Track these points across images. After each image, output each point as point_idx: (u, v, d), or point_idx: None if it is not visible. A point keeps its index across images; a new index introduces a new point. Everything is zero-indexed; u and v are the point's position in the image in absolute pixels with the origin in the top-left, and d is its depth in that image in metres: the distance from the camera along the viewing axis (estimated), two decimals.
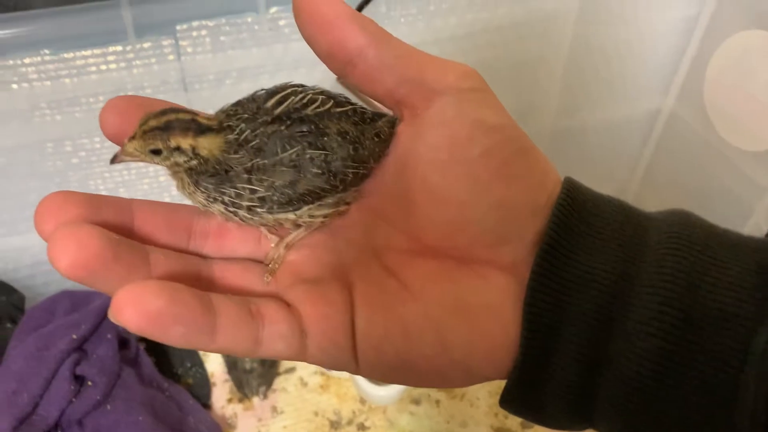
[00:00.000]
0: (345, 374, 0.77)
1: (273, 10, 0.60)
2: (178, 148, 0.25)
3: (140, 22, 0.57)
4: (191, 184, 0.27)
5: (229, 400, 0.77)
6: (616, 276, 0.24)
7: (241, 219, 0.27)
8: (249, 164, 0.26)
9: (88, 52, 0.57)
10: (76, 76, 0.58)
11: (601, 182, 0.90)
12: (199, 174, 0.26)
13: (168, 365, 0.78)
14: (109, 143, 0.64)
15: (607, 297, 0.24)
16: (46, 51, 0.56)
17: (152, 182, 0.69)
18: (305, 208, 0.27)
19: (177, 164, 0.26)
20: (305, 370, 0.79)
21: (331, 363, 0.26)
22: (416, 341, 0.25)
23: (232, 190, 0.26)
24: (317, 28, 0.25)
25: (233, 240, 0.29)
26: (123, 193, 0.68)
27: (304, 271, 0.28)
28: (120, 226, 0.25)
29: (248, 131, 0.26)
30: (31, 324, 0.65)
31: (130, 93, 0.61)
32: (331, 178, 0.26)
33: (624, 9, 0.77)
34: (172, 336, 0.22)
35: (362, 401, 0.77)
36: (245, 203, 0.26)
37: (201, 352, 0.81)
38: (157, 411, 0.66)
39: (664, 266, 0.24)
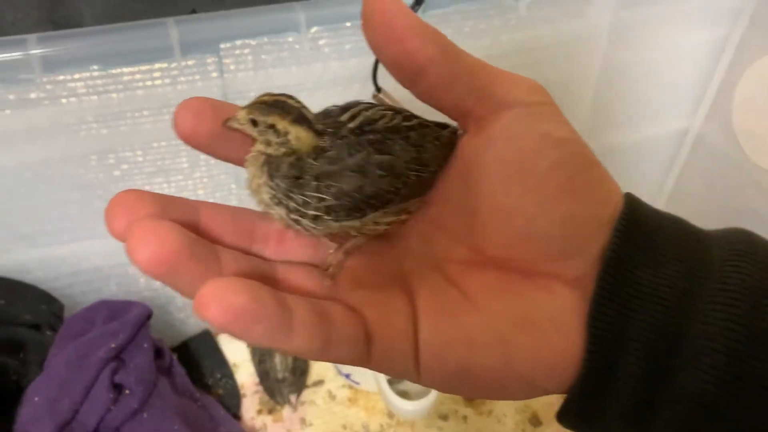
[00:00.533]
0: (373, 388, 0.78)
1: (313, 30, 0.61)
2: (272, 126, 0.26)
3: (186, 40, 0.58)
4: (265, 175, 0.27)
5: (259, 411, 0.78)
6: (679, 292, 0.24)
7: (303, 228, 0.28)
8: (318, 172, 0.26)
9: (135, 69, 0.59)
10: (123, 92, 0.60)
11: None
12: (277, 169, 0.27)
13: (199, 376, 0.79)
14: (151, 156, 0.66)
15: (669, 312, 0.24)
16: (95, 67, 0.58)
17: (191, 196, 0.70)
18: (370, 215, 0.27)
19: (267, 143, 0.26)
20: (333, 383, 0.80)
21: (393, 370, 0.26)
22: (479, 351, 0.25)
23: (300, 197, 0.27)
24: (386, 40, 0.25)
25: (293, 244, 0.29)
26: None
27: (364, 278, 0.28)
28: (187, 226, 0.25)
29: (329, 141, 0.27)
30: (70, 332, 0.66)
31: (173, 109, 0.63)
32: (395, 180, 0.27)
33: (653, 31, 0.78)
34: (252, 334, 0.22)
35: (390, 415, 0.77)
36: (311, 212, 0.27)
37: (231, 364, 0.82)
38: (190, 420, 0.68)
39: (728, 283, 0.24)
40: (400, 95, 0.67)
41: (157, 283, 0.77)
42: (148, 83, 0.60)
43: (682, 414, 0.24)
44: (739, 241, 0.26)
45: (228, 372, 0.81)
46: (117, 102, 0.60)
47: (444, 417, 0.77)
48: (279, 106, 0.26)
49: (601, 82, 0.81)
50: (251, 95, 0.64)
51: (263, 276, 0.26)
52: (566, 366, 0.25)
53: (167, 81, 0.60)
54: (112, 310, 0.69)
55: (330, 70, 0.64)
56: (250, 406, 0.79)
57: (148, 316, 0.70)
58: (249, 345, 0.80)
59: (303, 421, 0.77)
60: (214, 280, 0.21)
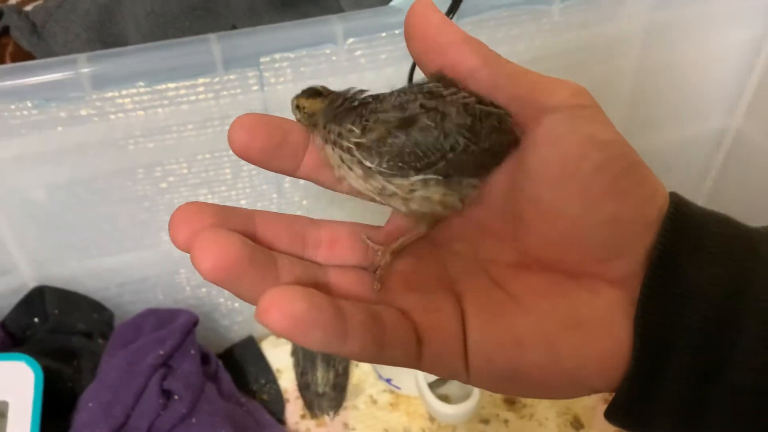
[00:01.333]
0: (414, 392, 0.79)
1: (350, 41, 0.63)
2: (297, 107, 0.31)
3: (227, 55, 0.60)
4: (318, 126, 0.30)
5: (302, 416, 0.79)
6: (727, 289, 0.25)
7: (354, 175, 0.28)
8: (366, 110, 0.28)
9: (179, 84, 0.61)
10: (168, 107, 0.62)
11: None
12: (326, 117, 0.30)
13: (244, 381, 0.81)
14: (195, 168, 0.68)
15: (717, 311, 0.24)
16: (141, 83, 0.60)
17: (233, 205, 0.72)
18: (414, 177, 0.27)
19: (300, 119, 0.31)
20: (375, 387, 0.81)
21: (443, 371, 0.27)
22: (527, 351, 0.26)
23: (344, 126, 0.28)
24: (429, 53, 0.26)
25: (343, 249, 0.30)
26: None
27: (412, 281, 0.29)
28: (245, 234, 0.26)
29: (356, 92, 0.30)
30: (120, 340, 0.69)
31: (216, 122, 0.65)
32: (442, 139, 0.26)
33: (689, 31, 0.77)
34: (310, 340, 0.23)
35: (431, 419, 0.78)
36: (354, 140, 0.28)
37: (275, 369, 0.83)
38: (237, 424, 0.69)
39: None
40: None
41: (203, 292, 0.79)
42: (192, 98, 0.62)
43: (732, 411, 0.24)
44: None
45: (272, 377, 0.82)
46: (163, 117, 0.62)
47: (485, 421, 0.78)
48: (303, 92, 0.32)
49: (637, 83, 0.80)
50: (290, 107, 0.66)
51: (317, 281, 0.28)
52: (613, 365, 0.26)
53: (210, 95, 0.62)
54: (159, 318, 0.71)
55: (366, 80, 0.65)
56: (293, 411, 0.80)
57: (195, 323, 0.72)
58: (293, 354, 0.82)
59: (346, 426, 0.78)
60: (275, 289, 0.23)
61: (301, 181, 0.74)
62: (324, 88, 0.32)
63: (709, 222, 0.26)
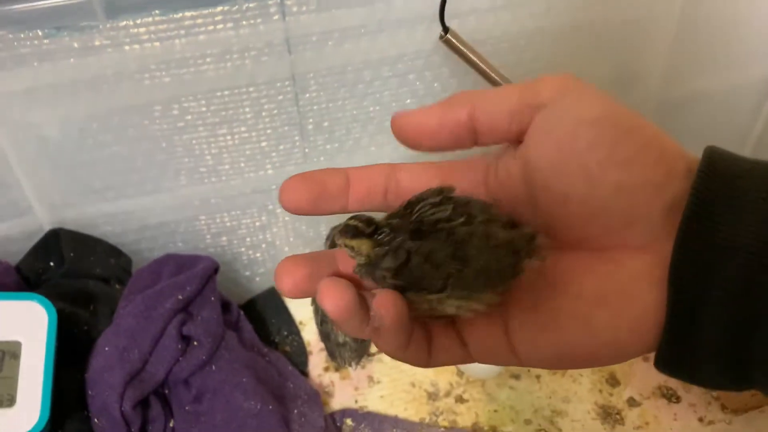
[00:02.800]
0: None
1: None
2: (347, 246, 0.31)
3: None
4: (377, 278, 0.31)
5: (326, 369, 0.77)
6: (765, 237, 0.24)
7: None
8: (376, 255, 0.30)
9: (197, 12, 0.58)
10: (185, 37, 0.59)
11: None
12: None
13: (266, 333, 0.79)
14: (214, 106, 0.65)
15: (755, 258, 0.24)
16: (157, 11, 0.57)
17: (254, 148, 0.69)
18: (423, 296, 0.30)
19: (353, 258, 0.31)
20: None
21: (494, 362, 0.30)
22: (567, 333, 0.28)
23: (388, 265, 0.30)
24: (422, 142, 0.30)
25: None
26: (226, 157, 0.69)
27: None
28: (336, 273, 0.31)
29: (389, 234, 0.30)
30: (138, 284, 0.66)
31: (235, 55, 0.61)
32: (434, 269, 0.29)
33: None
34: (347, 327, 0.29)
35: (459, 374, 0.75)
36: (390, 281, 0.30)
37: (297, 322, 0.81)
38: (259, 374, 0.67)
39: None
40: (470, 37, 0.64)
41: (223, 240, 0.77)
42: (210, 28, 0.59)
43: None
44: None
45: (295, 329, 0.80)
46: (179, 48, 0.59)
47: (516, 376, 0.75)
48: (345, 229, 0.31)
49: (683, 23, 0.75)
50: (313, 39, 0.62)
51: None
52: (647, 328, 0.27)
53: (229, 25, 0.59)
54: (178, 263, 0.69)
55: (394, 9, 0.61)
56: (317, 364, 0.78)
57: (216, 269, 0.69)
58: (312, 303, 0.79)
59: (371, 379, 0.75)
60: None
61: (325, 124, 0.70)
62: (363, 221, 0.31)
63: (747, 171, 0.26)
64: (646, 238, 0.27)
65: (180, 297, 0.65)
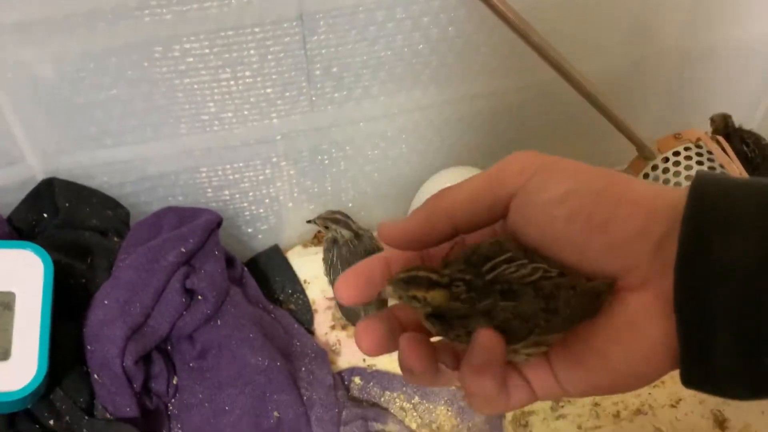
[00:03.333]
0: None
1: None
2: (414, 297, 0.31)
3: None
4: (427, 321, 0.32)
5: (332, 327, 0.74)
6: (759, 259, 0.25)
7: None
8: (458, 314, 0.30)
9: None
10: None
11: (728, 107, 0.81)
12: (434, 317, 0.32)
13: (269, 291, 0.76)
14: (217, 48, 0.61)
15: (752, 282, 0.25)
16: None
17: (260, 94, 0.66)
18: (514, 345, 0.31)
19: (414, 305, 0.32)
20: None
21: (552, 399, 0.36)
22: (595, 373, 0.30)
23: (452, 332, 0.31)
24: (411, 247, 0.32)
25: None
26: (229, 104, 0.65)
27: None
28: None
29: (465, 290, 0.30)
30: (138, 237, 0.63)
31: None
32: (523, 323, 0.30)
33: None
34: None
35: None
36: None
37: (302, 280, 0.78)
38: (266, 330, 0.64)
39: None
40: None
41: (225, 194, 0.73)
42: None
43: None
44: None
45: (299, 288, 0.77)
46: None
47: None
48: (413, 281, 0.31)
49: None
50: None
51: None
52: (659, 356, 0.29)
53: None
54: (180, 215, 0.65)
55: None
56: (323, 322, 0.75)
57: (218, 222, 0.66)
58: (324, 261, 0.76)
59: None
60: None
61: (334, 69, 0.67)
62: (427, 269, 0.31)
63: (737, 194, 0.27)
64: (642, 278, 0.29)
65: (183, 249, 0.62)
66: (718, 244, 0.26)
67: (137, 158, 0.66)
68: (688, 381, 0.28)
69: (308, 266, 0.79)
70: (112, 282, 0.59)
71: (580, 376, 0.31)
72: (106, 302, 0.57)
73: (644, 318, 0.29)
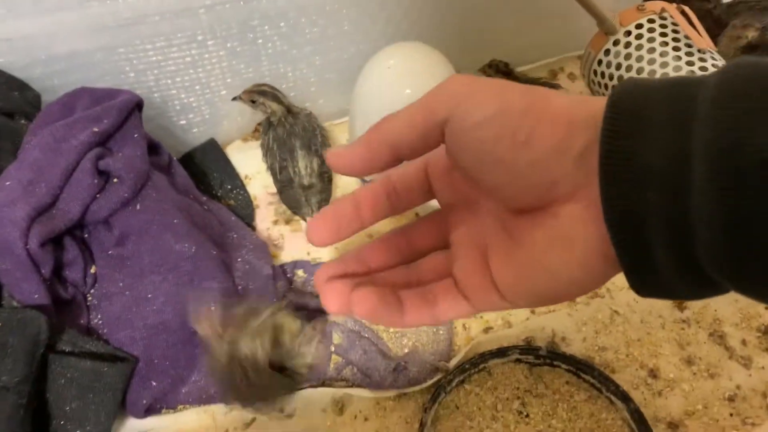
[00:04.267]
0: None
1: None
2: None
3: None
4: None
5: (275, 222, 0.69)
6: (670, 158, 0.25)
7: None
8: None
9: None
10: None
11: None
12: None
13: (207, 187, 0.71)
14: None
15: (669, 180, 0.25)
16: None
17: None
18: None
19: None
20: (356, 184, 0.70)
21: (491, 310, 0.33)
22: (534, 278, 0.31)
23: None
24: (357, 173, 0.32)
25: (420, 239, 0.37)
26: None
27: (457, 247, 0.35)
28: (361, 272, 0.34)
29: None
30: (47, 119, 0.57)
31: None
32: None
33: None
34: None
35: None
36: None
37: (243, 176, 0.73)
38: (194, 218, 0.59)
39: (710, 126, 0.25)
40: None
41: (150, 77, 0.67)
42: None
43: (710, 260, 0.26)
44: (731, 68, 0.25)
45: (239, 183, 0.72)
46: None
47: None
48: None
49: None
50: None
51: (408, 281, 0.35)
52: (595, 262, 0.29)
53: None
54: (94, 96, 0.59)
55: None
56: (264, 217, 0.70)
57: (138, 104, 0.60)
58: (263, 148, 0.70)
59: None
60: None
61: None
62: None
63: (652, 94, 0.27)
64: (569, 188, 0.29)
65: (96, 129, 0.56)
66: (635, 146, 0.26)
67: (40, 33, 0.59)
68: (638, 287, 0.29)
69: (249, 161, 0.74)
70: (15, 164, 0.54)
71: (523, 286, 0.32)
72: (8, 183, 0.52)
73: (576, 225, 0.30)
